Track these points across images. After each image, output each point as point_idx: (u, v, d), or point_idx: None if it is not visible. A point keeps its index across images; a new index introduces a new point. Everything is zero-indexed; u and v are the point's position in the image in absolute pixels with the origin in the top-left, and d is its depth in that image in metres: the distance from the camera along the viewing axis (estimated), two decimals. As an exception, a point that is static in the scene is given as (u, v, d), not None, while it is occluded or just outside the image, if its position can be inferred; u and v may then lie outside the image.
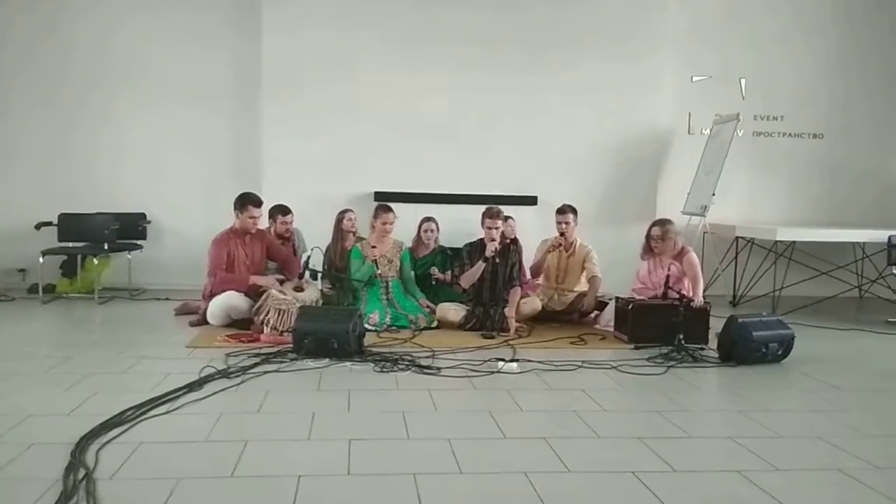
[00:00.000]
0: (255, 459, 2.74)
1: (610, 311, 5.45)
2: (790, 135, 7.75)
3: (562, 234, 5.77)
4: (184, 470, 2.61)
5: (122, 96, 6.93)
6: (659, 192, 7.33)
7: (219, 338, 4.80)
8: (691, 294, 5.15)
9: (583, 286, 5.80)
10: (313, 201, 6.48)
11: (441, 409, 3.46)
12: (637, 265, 5.67)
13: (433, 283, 5.96)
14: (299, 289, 5.32)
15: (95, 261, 6.42)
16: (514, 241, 5.65)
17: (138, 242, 6.84)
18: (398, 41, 6.90)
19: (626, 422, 3.38)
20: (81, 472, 2.53)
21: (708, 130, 7.44)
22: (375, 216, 5.68)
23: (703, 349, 4.78)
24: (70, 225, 6.59)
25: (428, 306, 5.58)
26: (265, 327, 4.82)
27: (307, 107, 6.80)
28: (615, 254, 6.31)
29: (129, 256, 6.70)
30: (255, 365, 4.12)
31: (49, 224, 6.57)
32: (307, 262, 5.68)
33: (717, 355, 4.61)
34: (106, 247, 6.44)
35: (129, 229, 6.77)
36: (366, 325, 4.86)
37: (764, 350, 4.45)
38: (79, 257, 6.62)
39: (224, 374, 3.91)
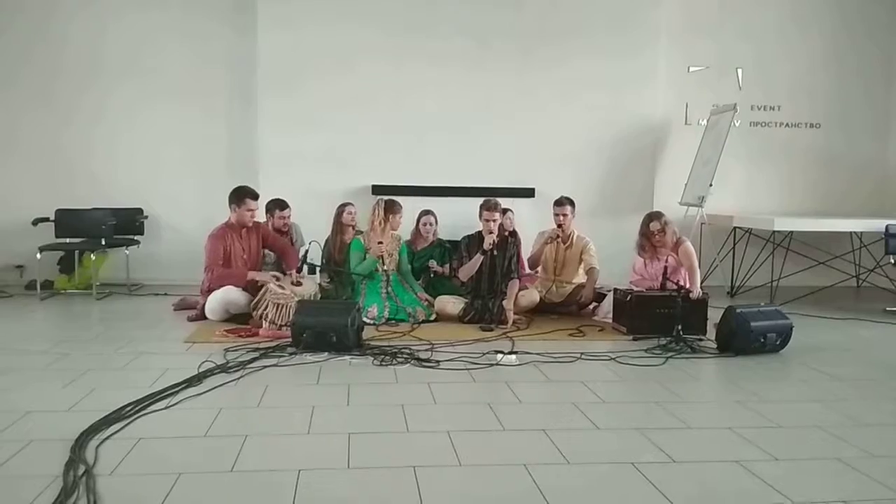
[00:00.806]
0: (255, 454, 2.75)
1: (608, 303, 5.45)
2: (787, 125, 7.75)
3: (559, 227, 5.77)
4: (184, 465, 2.61)
5: (119, 92, 6.91)
6: (656, 183, 7.33)
7: (217, 333, 4.80)
8: (689, 284, 5.15)
9: (581, 278, 5.81)
10: (310, 195, 6.49)
11: (440, 401, 3.47)
12: (632, 258, 5.67)
13: (432, 275, 5.96)
14: (297, 283, 5.31)
15: (93, 256, 6.41)
16: (513, 233, 5.64)
17: (136, 238, 6.83)
18: (395, 35, 6.88)
19: (624, 413, 3.39)
20: (81, 469, 2.53)
21: (705, 121, 7.43)
22: (389, 212, 5.60)
23: (701, 340, 4.79)
24: (67, 221, 6.58)
25: (426, 299, 5.57)
26: (264, 322, 4.82)
27: (303, 101, 6.78)
28: (613, 245, 6.32)
29: (126, 252, 6.69)
30: (254, 359, 4.12)
31: (46, 220, 6.56)
32: (305, 256, 5.67)
33: (715, 346, 4.62)
34: (103, 242, 6.43)
35: (126, 225, 6.76)
36: (364, 319, 4.86)
37: (762, 340, 4.46)
38: (76, 253, 6.61)
39: (223, 368, 3.90)
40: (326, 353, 4.25)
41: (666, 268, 5.15)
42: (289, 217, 6.00)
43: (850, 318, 5.92)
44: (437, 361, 4.18)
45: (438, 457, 2.74)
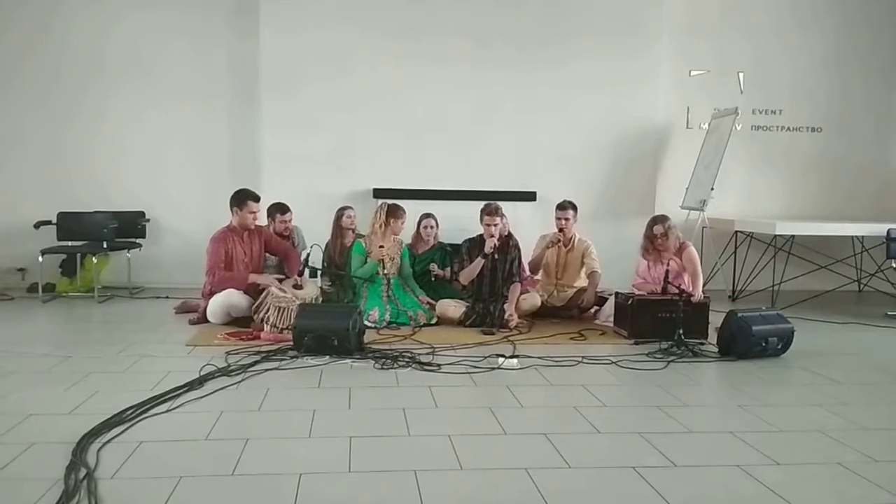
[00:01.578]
0: (256, 457, 2.75)
1: (609, 307, 5.45)
2: (789, 128, 7.75)
3: (561, 230, 5.77)
4: (185, 468, 2.61)
5: (120, 94, 6.92)
6: (658, 186, 7.32)
7: (219, 336, 4.80)
8: (691, 289, 5.15)
9: (582, 282, 5.81)
10: (312, 198, 6.49)
11: (441, 405, 3.47)
12: (636, 260, 5.67)
13: (432, 279, 5.96)
14: (299, 286, 5.32)
15: (95, 259, 6.42)
16: (509, 235, 5.64)
17: (137, 241, 6.83)
18: (396, 38, 6.89)
19: (626, 417, 3.39)
20: (82, 472, 2.54)
21: (706, 125, 7.43)
22: (391, 216, 5.60)
23: (702, 344, 4.78)
24: (69, 224, 6.58)
25: (428, 303, 5.58)
26: (265, 325, 4.82)
27: (305, 104, 6.79)
28: (614, 249, 6.32)
29: (128, 255, 6.70)
30: (256, 363, 4.12)
31: (48, 223, 6.57)
32: (307, 260, 5.68)
33: (716, 350, 4.61)
34: (105, 245, 6.44)
35: (128, 228, 6.76)
36: (366, 322, 4.86)
37: (763, 344, 4.46)
38: (78, 256, 6.62)
39: (224, 372, 3.91)
40: (328, 357, 4.25)
41: (667, 272, 5.15)
42: (290, 221, 6.00)
43: (852, 322, 5.92)
44: (439, 365, 4.18)
45: (440, 460, 2.74)
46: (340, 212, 6.12)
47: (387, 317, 5.31)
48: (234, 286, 5.18)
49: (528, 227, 6.37)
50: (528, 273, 5.94)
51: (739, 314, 4.48)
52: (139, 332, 4.99)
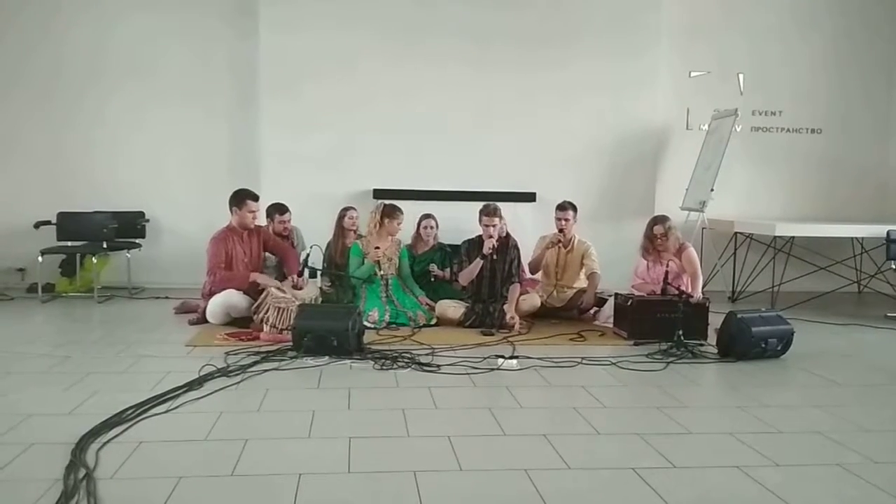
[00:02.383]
0: (256, 458, 2.74)
1: (609, 308, 5.45)
2: (788, 130, 7.75)
3: (561, 231, 5.77)
4: (184, 469, 2.61)
5: (120, 95, 6.92)
6: (657, 187, 7.32)
7: (218, 336, 4.80)
8: (690, 290, 5.15)
9: (582, 283, 5.81)
10: (312, 199, 6.49)
11: (441, 406, 3.47)
12: (635, 261, 5.67)
13: (432, 279, 5.96)
14: (298, 287, 5.31)
15: (94, 260, 6.42)
16: (507, 236, 5.63)
17: (137, 241, 6.83)
18: (396, 38, 6.89)
19: (625, 418, 3.39)
20: (82, 472, 2.53)
21: (706, 126, 7.43)
22: (386, 217, 5.59)
23: (702, 345, 4.78)
24: (69, 224, 6.58)
25: (427, 303, 5.57)
26: (265, 325, 4.82)
27: (305, 104, 6.79)
28: (614, 250, 6.32)
29: (127, 255, 6.69)
30: (255, 363, 4.12)
31: (48, 223, 6.57)
32: (306, 260, 5.68)
33: (716, 351, 4.61)
34: (105, 245, 6.44)
35: (127, 228, 6.76)
36: (365, 323, 4.86)
37: (763, 345, 4.46)
38: (78, 256, 6.62)
39: (224, 372, 3.91)
40: (327, 357, 4.25)
41: (667, 272, 5.15)
42: (289, 221, 6.00)
43: (852, 323, 5.92)
44: (438, 366, 4.18)
45: (439, 461, 2.74)
46: (343, 212, 6.11)
47: (386, 317, 5.31)
48: (235, 286, 5.18)
49: (528, 227, 6.37)
50: (527, 274, 5.94)
51: (739, 315, 4.48)
52: (139, 333, 4.99)
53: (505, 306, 5.31)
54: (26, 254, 6.52)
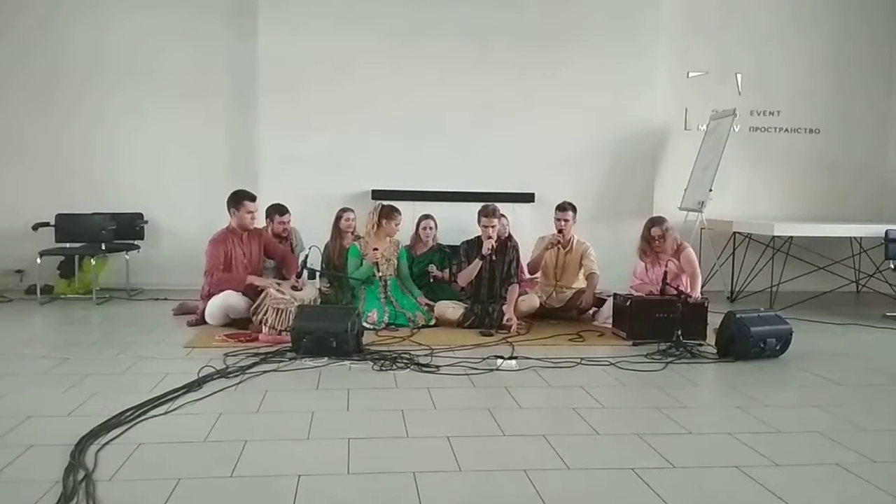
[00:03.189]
0: (255, 459, 2.74)
1: (608, 308, 5.45)
2: (787, 130, 7.76)
3: (560, 232, 5.78)
4: (183, 470, 2.61)
5: (119, 96, 6.91)
6: (656, 188, 7.33)
7: (217, 337, 4.79)
8: (689, 290, 5.15)
9: (581, 283, 5.81)
10: (311, 199, 6.50)
11: (440, 407, 3.47)
12: (633, 262, 5.68)
13: (431, 280, 5.96)
14: (297, 288, 5.31)
15: (93, 261, 6.41)
16: (509, 237, 5.64)
17: (136, 242, 6.83)
18: (394, 39, 6.90)
19: (624, 418, 3.39)
20: (81, 474, 2.53)
21: (704, 126, 7.44)
22: (384, 218, 5.59)
23: (701, 345, 4.78)
24: (67, 225, 6.58)
25: (427, 304, 5.57)
26: (263, 327, 4.82)
27: (304, 105, 6.79)
28: (613, 250, 6.33)
29: (126, 257, 6.69)
30: (254, 364, 4.12)
31: (46, 225, 6.56)
32: (305, 261, 5.67)
33: (715, 351, 4.61)
34: (103, 247, 6.43)
35: (126, 229, 6.76)
36: (364, 324, 4.86)
37: (762, 345, 4.46)
38: (76, 258, 6.61)
39: (223, 373, 3.91)
40: (326, 358, 4.25)
41: (666, 273, 5.15)
42: (288, 222, 5.99)
43: (850, 323, 5.92)
44: (437, 366, 4.18)
45: (438, 462, 2.74)
46: (339, 214, 6.12)
47: (385, 318, 5.31)
48: (233, 287, 5.17)
49: (527, 228, 6.37)
50: (526, 274, 5.94)
51: (738, 315, 4.48)
52: (137, 334, 4.98)
53: (504, 307, 5.31)
54: (25, 255, 6.52)
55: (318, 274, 5.95)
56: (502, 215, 5.65)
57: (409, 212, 6.17)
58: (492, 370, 4.14)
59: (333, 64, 6.84)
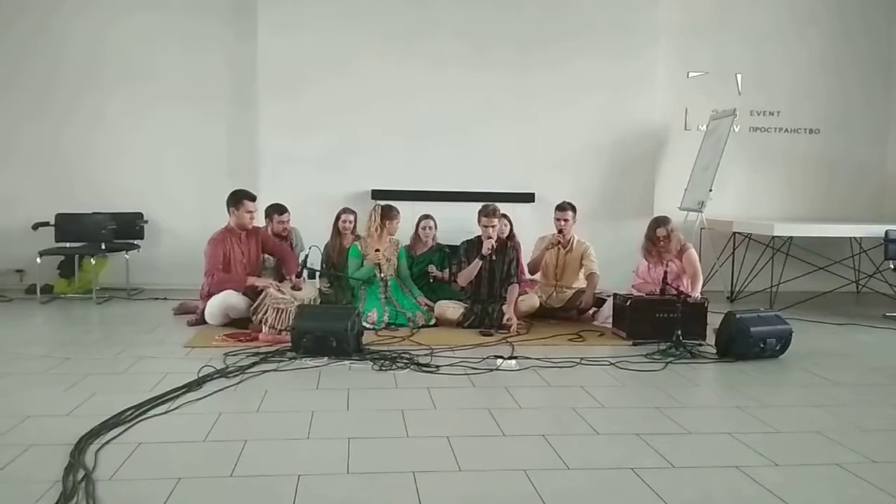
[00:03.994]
0: (255, 459, 2.74)
1: (608, 308, 5.45)
2: (787, 130, 7.76)
3: (560, 232, 5.78)
4: (183, 470, 2.61)
5: (118, 96, 6.91)
6: (656, 188, 7.33)
7: (217, 337, 4.79)
8: (689, 290, 5.15)
9: (581, 283, 5.81)
10: (310, 199, 6.50)
11: (440, 406, 3.47)
12: (634, 261, 5.68)
13: (430, 280, 5.96)
14: (297, 288, 5.31)
15: (93, 261, 6.41)
16: (510, 236, 5.63)
17: (136, 242, 6.83)
18: (394, 39, 6.90)
19: (624, 418, 3.39)
20: (81, 473, 2.53)
21: (704, 126, 7.44)
22: (384, 218, 5.59)
23: (701, 345, 4.78)
24: (67, 225, 6.58)
25: (426, 304, 5.57)
26: (263, 326, 4.82)
27: (303, 105, 6.79)
28: (613, 250, 6.33)
29: (126, 256, 6.69)
30: (254, 364, 4.12)
31: (46, 224, 6.57)
32: (305, 261, 5.68)
33: (715, 351, 4.62)
34: (103, 247, 6.43)
35: (126, 229, 6.76)
36: (364, 324, 4.86)
37: (762, 345, 4.46)
38: (76, 257, 6.61)
39: (223, 373, 3.91)
40: (326, 358, 4.25)
41: (666, 273, 5.15)
42: (288, 221, 6.00)
43: (850, 323, 5.92)
44: (437, 366, 4.18)
45: (438, 462, 2.74)
46: (338, 214, 6.11)
47: (385, 318, 5.31)
48: (233, 287, 5.17)
49: (527, 228, 6.37)
50: (526, 274, 5.94)
51: (738, 315, 4.49)
52: (137, 334, 4.98)
53: (504, 307, 5.31)
54: (25, 255, 6.52)
55: (318, 274, 5.95)
56: (503, 215, 5.66)
57: (409, 212, 6.17)
58: (492, 370, 4.14)
59: (333, 64, 6.84)
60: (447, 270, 5.97)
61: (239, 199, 5.38)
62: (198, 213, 6.65)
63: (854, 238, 7.20)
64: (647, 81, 7.21)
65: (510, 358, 4.34)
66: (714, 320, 4.85)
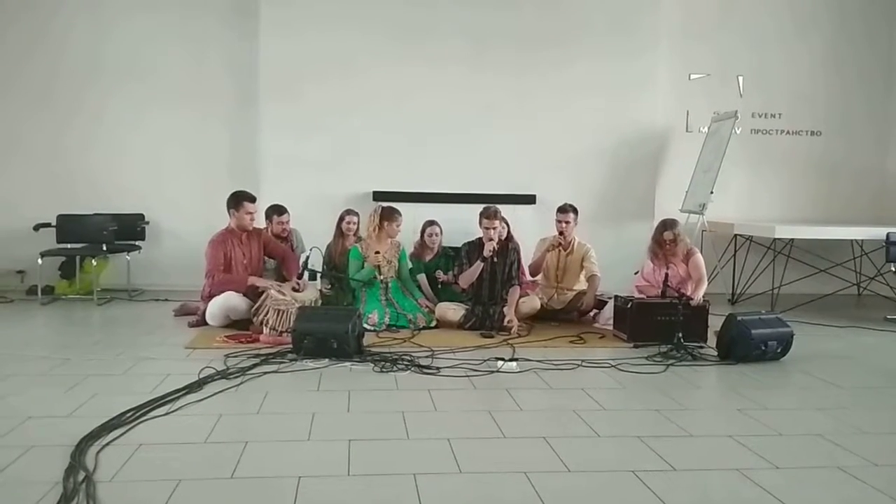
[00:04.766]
0: (255, 460, 2.74)
1: (609, 310, 5.45)
2: (788, 132, 7.76)
3: (561, 234, 5.77)
4: (184, 471, 2.61)
5: (120, 97, 6.92)
6: (657, 190, 7.32)
7: (218, 339, 4.80)
8: (692, 293, 5.14)
9: (582, 285, 5.81)
10: (311, 201, 6.49)
11: (441, 408, 3.47)
12: (635, 263, 5.67)
13: (439, 285, 5.95)
14: (298, 289, 5.31)
15: (94, 262, 6.41)
16: (509, 237, 5.62)
17: (137, 243, 6.83)
18: (396, 41, 6.90)
19: (625, 421, 3.39)
20: (81, 475, 2.53)
21: (706, 128, 7.44)
22: (384, 219, 5.59)
23: (702, 347, 4.78)
24: (68, 226, 6.59)
25: (427, 306, 5.57)
26: (264, 328, 4.81)
27: (305, 106, 6.79)
28: (614, 252, 6.32)
29: (127, 257, 6.69)
30: (255, 366, 4.12)
31: (47, 225, 6.57)
32: (306, 263, 5.68)
33: (716, 353, 4.61)
34: (104, 248, 6.44)
35: (127, 230, 6.76)
36: (365, 325, 4.86)
37: (763, 348, 4.45)
38: (77, 258, 6.61)
39: (223, 374, 3.91)
40: (327, 360, 4.25)
41: (667, 275, 5.14)
42: (288, 222, 5.99)
43: (851, 325, 5.91)
44: (438, 368, 4.18)
45: (439, 464, 2.74)
46: (342, 216, 6.10)
47: (386, 320, 5.31)
48: (234, 288, 5.18)
49: (528, 229, 6.37)
50: (527, 276, 5.94)
51: (739, 318, 4.48)
52: (138, 335, 4.99)
53: (505, 308, 5.31)
54: (26, 256, 6.52)
55: (318, 275, 5.95)
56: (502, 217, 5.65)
57: (411, 213, 6.17)
58: (492, 372, 4.14)
59: (334, 65, 6.84)
60: (451, 273, 5.96)
61: (239, 200, 5.38)
62: (199, 214, 6.65)
63: (855, 240, 7.20)
64: (648, 83, 7.21)
65: (511, 360, 4.33)
66: (715, 322, 4.85)
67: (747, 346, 4.42)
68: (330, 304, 5.59)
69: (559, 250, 5.80)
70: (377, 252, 5.52)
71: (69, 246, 6.56)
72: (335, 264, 5.98)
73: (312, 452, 2.86)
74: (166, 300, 6.31)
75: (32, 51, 6.82)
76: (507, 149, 7.02)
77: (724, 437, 3.13)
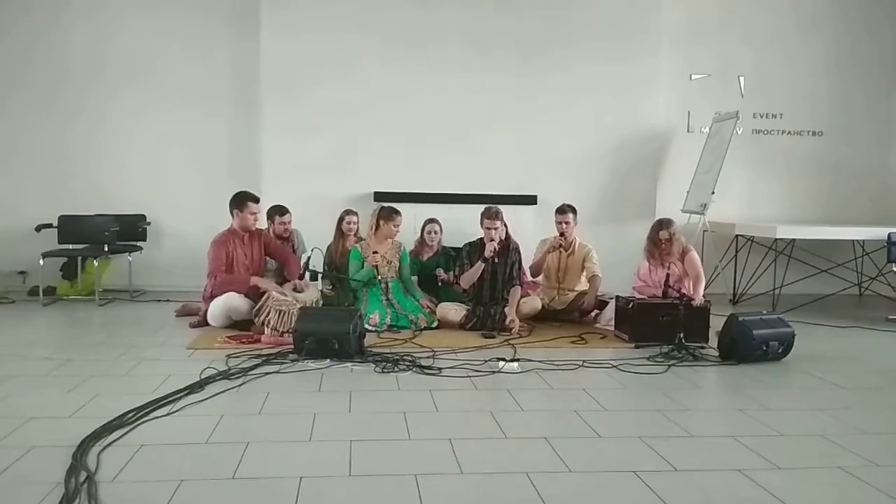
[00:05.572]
0: (257, 461, 2.74)
1: (610, 310, 5.45)
2: (789, 132, 7.75)
3: (561, 234, 5.77)
4: (185, 472, 2.61)
5: (122, 97, 6.93)
6: (658, 190, 7.33)
7: (219, 339, 4.80)
8: (692, 293, 5.14)
9: (583, 285, 5.80)
10: (313, 201, 6.50)
11: (442, 409, 3.47)
12: (636, 264, 5.67)
13: (439, 284, 5.96)
14: (299, 290, 5.32)
15: (96, 262, 6.42)
16: (507, 237, 5.62)
17: (138, 244, 6.84)
18: (397, 42, 6.91)
19: (626, 421, 3.39)
20: (83, 475, 2.54)
21: (707, 129, 7.44)
22: (383, 219, 5.59)
23: (703, 348, 4.78)
24: (70, 227, 6.60)
25: (427, 306, 5.57)
26: (266, 328, 4.82)
27: (306, 108, 6.80)
28: (615, 253, 6.32)
29: (129, 258, 6.70)
30: (256, 366, 4.12)
31: (49, 226, 6.57)
32: (307, 263, 5.68)
33: (717, 354, 4.61)
34: (106, 248, 6.44)
35: (129, 231, 6.77)
36: (366, 326, 4.86)
37: (764, 348, 4.45)
38: (79, 259, 6.63)
39: (225, 375, 3.91)
40: (328, 360, 4.25)
41: (668, 275, 5.15)
42: (289, 222, 5.99)
43: (853, 326, 5.91)
44: (439, 369, 4.18)
45: (440, 464, 2.74)
46: (342, 216, 6.11)
47: (387, 320, 5.31)
48: (236, 289, 5.18)
49: (529, 230, 6.37)
50: (528, 277, 5.94)
51: (740, 318, 4.48)
52: (140, 336, 4.99)
53: (506, 309, 5.31)
54: (27, 257, 6.52)
55: (319, 276, 5.95)
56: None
57: (412, 214, 6.18)
58: (494, 372, 4.14)
59: (336, 66, 6.85)
60: (451, 273, 5.96)
61: (242, 201, 5.39)
62: (200, 214, 6.66)
63: (857, 241, 7.20)
64: (649, 84, 7.21)
65: (512, 360, 4.33)
66: (716, 323, 4.84)
67: (749, 346, 4.41)
68: (331, 305, 5.60)
69: (560, 251, 5.80)
70: (375, 252, 5.53)
71: (71, 246, 6.57)
72: (336, 265, 5.99)
73: (314, 453, 2.86)
74: (168, 301, 6.31)
75: (34, 52, 6.83)
76: (507, 149, 7.03)
77: (726, 438, 3.13)
